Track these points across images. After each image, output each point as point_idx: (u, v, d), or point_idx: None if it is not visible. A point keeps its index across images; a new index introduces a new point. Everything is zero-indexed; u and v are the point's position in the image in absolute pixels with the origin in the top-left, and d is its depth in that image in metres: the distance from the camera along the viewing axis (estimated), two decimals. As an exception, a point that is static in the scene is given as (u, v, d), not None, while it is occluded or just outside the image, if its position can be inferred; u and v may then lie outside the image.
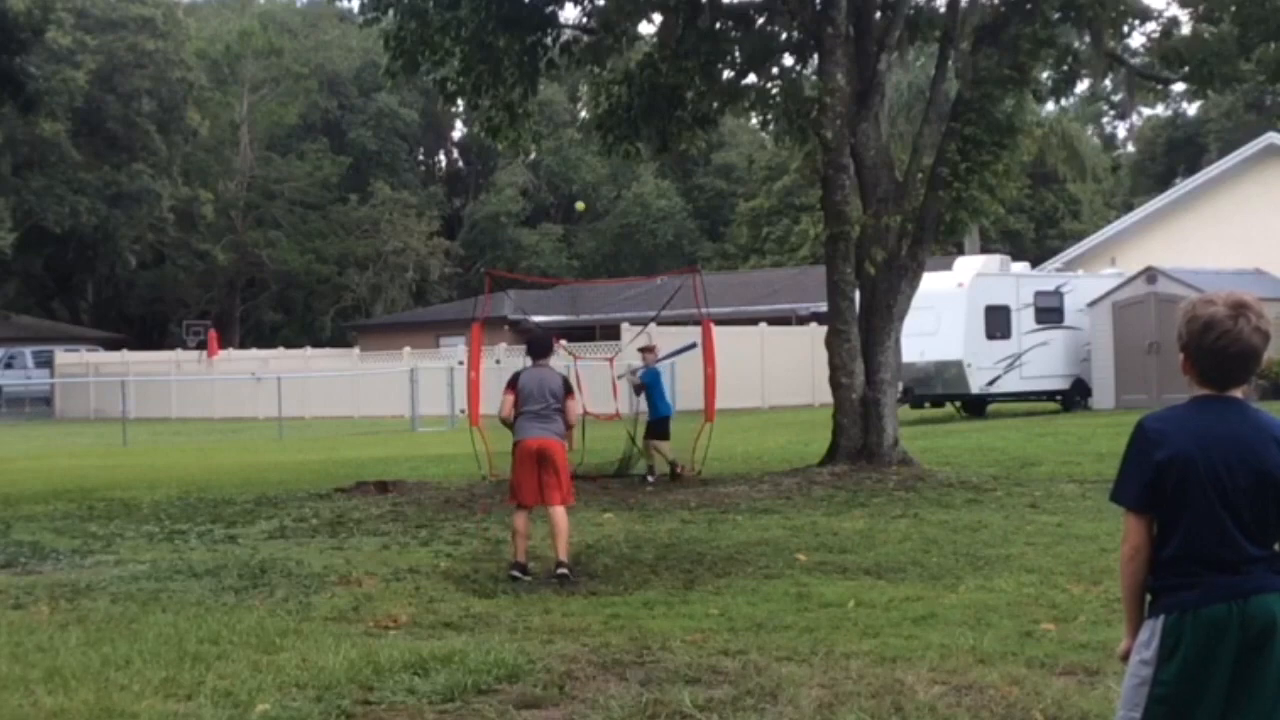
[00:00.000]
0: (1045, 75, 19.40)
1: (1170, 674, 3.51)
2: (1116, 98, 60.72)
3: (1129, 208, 51.89)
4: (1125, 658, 3.70)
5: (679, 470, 16.60)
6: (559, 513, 9.72)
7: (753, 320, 40.24)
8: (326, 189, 67.69)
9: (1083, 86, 26.30)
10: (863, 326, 17.28)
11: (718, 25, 18.42)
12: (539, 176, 71.15)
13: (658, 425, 17.18)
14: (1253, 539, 3.52)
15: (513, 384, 9.89)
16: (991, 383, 30.02)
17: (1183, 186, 40.78)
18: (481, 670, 6.58)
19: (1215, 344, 3.56)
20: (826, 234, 17.64)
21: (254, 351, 55.13)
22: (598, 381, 22.20)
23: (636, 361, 19.34)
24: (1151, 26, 19.03)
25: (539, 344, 10.23)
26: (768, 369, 38.70)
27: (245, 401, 42.93)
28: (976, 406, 30.76)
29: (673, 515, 13.16)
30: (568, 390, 9.89)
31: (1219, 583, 3.50)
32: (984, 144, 17.23)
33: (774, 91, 18.33)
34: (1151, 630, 3.57)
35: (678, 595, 8.78)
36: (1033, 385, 31.03)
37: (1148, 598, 3.64)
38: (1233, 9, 18.13)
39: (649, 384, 17.47)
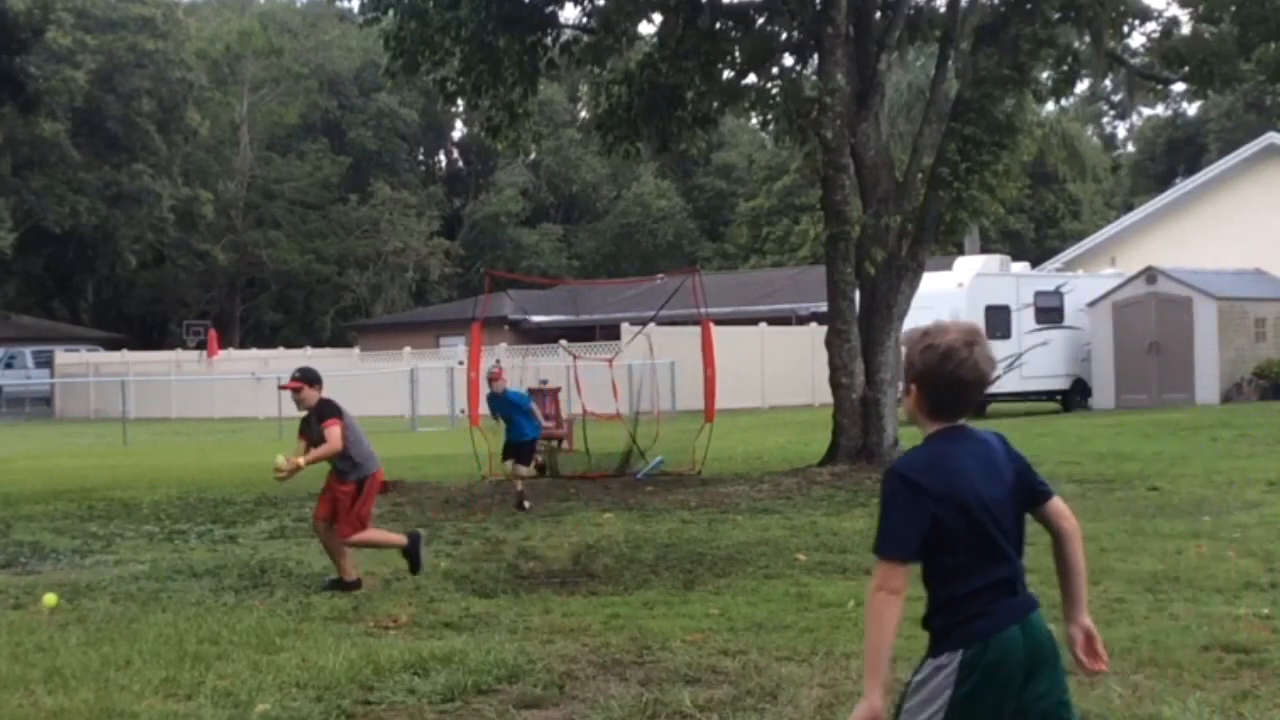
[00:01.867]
0: (1045, 75, 19.40)
1: (966, 703, 3.42)
2: (1116, 98, 60.82)
3: (1129, 208, 51.91)
4: (874, 713, 3.46)
5: (524, 503, 14.30)
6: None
7: (753, 320, 40.23)
8: (326, 189, 67.71)
9: (1083, 86, 26.35)
10: (863, 326, 17.28)
11: (718, 25, 18.42)
12: (539, 176, 71.17)
13: (521, 447, 14.95)
14: (1019, 556, 3.56)
15: (339, 413, 9.49)
16: (991, 383, 30.00)
17: (1183, 186, 40.80)
18: (481, 670, 6.58)
19: (954, 372, 3.53)
20: (826, 234, 17.64)
21: (254, 351, 55.15)
22: (598, 382, 22.20)
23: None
24: (1151, 26, 19.06)
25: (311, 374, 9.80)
26: (768, 369, 38.69)
27: (245, 401, 42.93)
28: (976, 406, 30.75)
29: (673, 515, 13.16)
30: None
31: (1008, 605, 3.51)
32: (984, 144, 17.23)
33: (774, 91, 18.33)
34: (935, 668, 3.46)
35: (678, 595, 8.77)
36: (1033, 385, 31.04)
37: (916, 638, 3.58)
38: (1233, 9, 18.14)
39: (511, 406, 15.06)
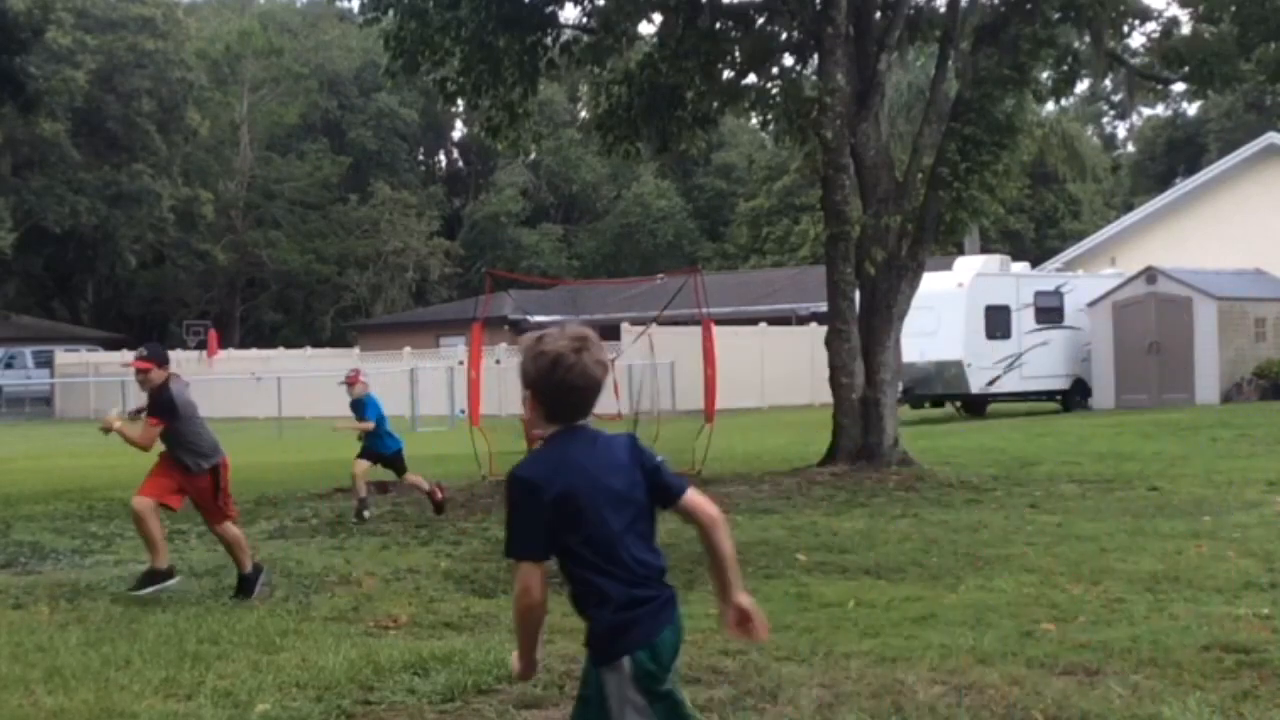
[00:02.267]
0: (1045, 75, 19.40)
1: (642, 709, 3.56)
2: (1116, 98, 60.81)
3: (1129, 208, 51.92)
4: (525, 677, 3.80)
5: (365, 512, 13.27)
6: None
7: (753, 320, 40.24)
8: (326, 189, 67.72)
9: (1083, 86, 26.36)
10: (863, 326, 17.28)
11: (718, 25, 18.42)
12: (539, 176, 71.18)
13: (396, 458, 13.71)
14: (654, 552, 3.71)
15: (170, 415, 9.04)
16: (991, 383, 30.04)
17: (1183, 186, 40.82)
18: (481, 670, 6.57)
19: (564, 378, 3.61)
20: (826, 234, 17.65)
21: (254, 351, 55.15)
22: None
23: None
24: (1151, 26, 19.06)
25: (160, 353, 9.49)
26: (768, 369, 38.70)
27: (245, 401, 42.92)
28: (976, 406, 30.78)
29: (673, 515, 13.12)
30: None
31: (657, 605, 3.65)
32: (984, 144, 17.23)
33: (774, 91, 18.33)
34: (601, 681, 3.57)
35: (678, 595, 8.77)
36: (1033, 385, 31.05)
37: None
38: (1233, 9, 18.14)
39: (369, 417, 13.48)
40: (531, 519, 3.55)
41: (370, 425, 13.32)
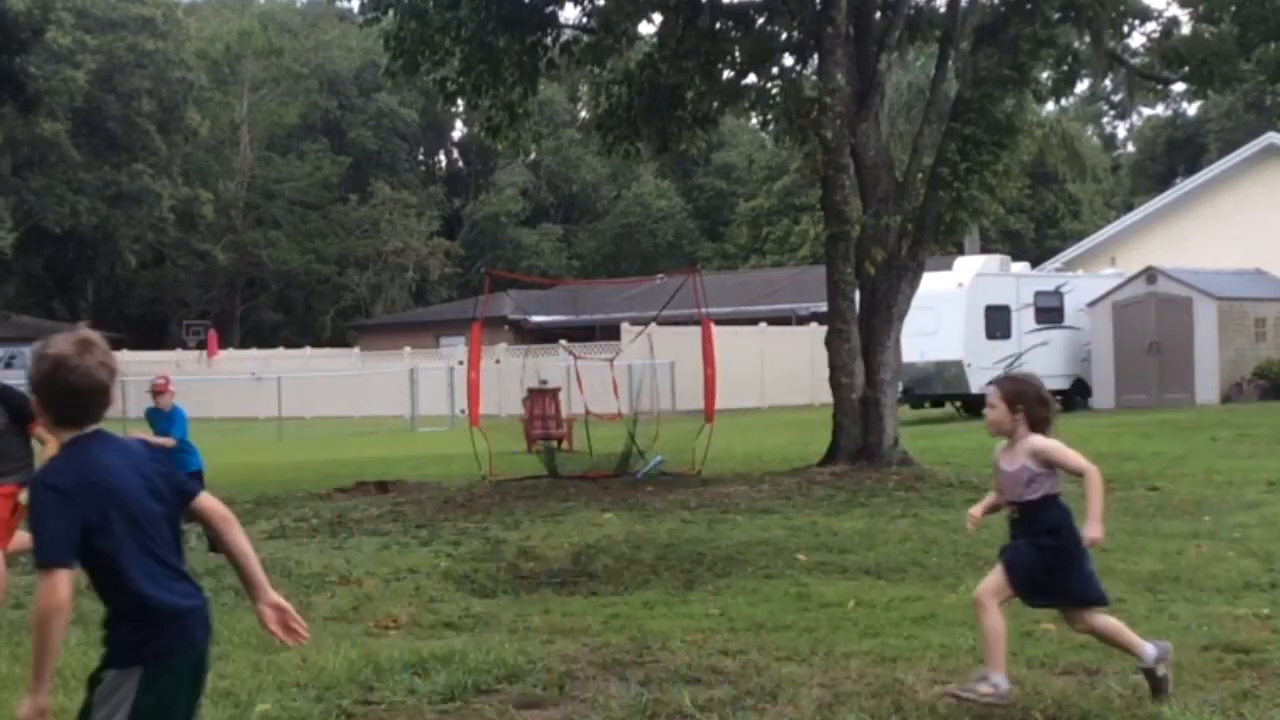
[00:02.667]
0: (1045, 75, 19.42)
1: (148, 711, 3.55)
2: (1116, 98, 60.82)
3: (1129, 208, 51.91)
4: (45, 709, 3.54)
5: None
6: None
7: (753, 320, 40.25)
8: (326, 189, 67.72)
9: (1083, 86, 26.35)
10: (863, 326, 17.28)
11: (718, 25, 18.43)
12: (539, 176, 71.17)
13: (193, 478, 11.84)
14: (181, 556, 3.68)
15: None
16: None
17: (1183, 186, 40.82)
18: (481, 670, 6.58)
19: (67, 380, 3.57)
20: (826, 234, 17.65)
21: (254, 351, 55.18)
22: (598, 382, 22.20)
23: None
24: (1151, 26, 19.08)
25: None
26: (768, 369, 38.70)
27: (245, 401, 42.96)
28: (976, 406, 30.77)
29: (673, 515, 13.15)
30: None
31: (186, 617, 3.63)
32: (984, 144, 17.23)
33: (774, 91, 18.34)
34: (117, 681, 3.56)
35: (678, 595, 8.77)
36: (1033, 385, 31.03)
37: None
38: (1233, 9, 18.15)
39: (174, 428, 11.73)
40: (65, 524, 3.47)
41: (172, 442, 11.18)
